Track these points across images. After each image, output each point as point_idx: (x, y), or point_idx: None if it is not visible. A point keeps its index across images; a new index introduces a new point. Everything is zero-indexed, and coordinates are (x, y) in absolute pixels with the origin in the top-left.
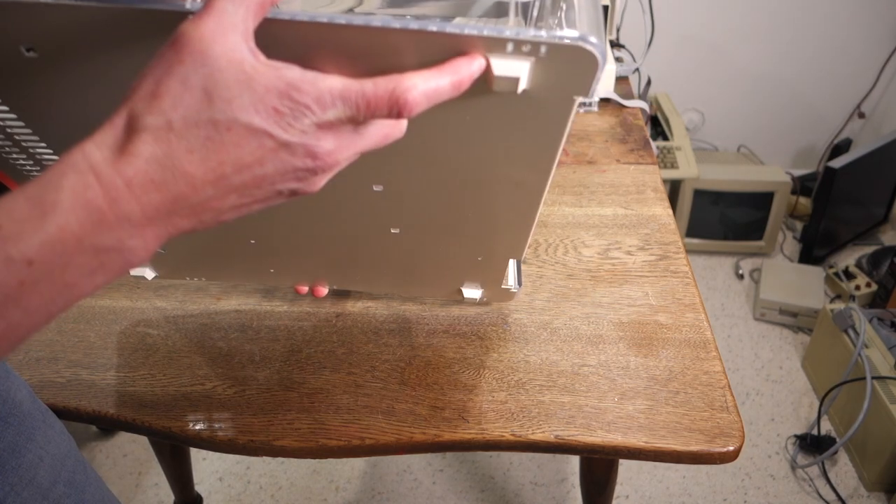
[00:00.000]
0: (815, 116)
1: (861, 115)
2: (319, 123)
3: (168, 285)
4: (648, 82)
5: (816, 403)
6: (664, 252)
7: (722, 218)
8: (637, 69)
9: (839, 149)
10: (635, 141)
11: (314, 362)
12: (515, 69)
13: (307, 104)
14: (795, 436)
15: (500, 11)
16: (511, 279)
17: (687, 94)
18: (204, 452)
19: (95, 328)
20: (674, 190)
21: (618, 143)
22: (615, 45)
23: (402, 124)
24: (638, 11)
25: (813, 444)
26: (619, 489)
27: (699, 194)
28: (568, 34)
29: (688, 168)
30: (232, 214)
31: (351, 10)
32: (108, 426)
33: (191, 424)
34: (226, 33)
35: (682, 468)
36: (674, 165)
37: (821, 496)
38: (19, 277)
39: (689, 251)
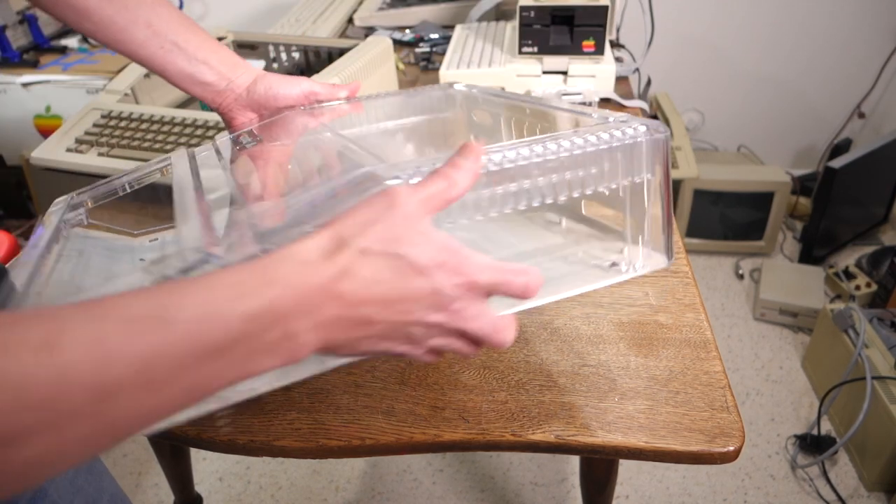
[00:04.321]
0: (815, 116)
1: (861, 115)
2: (468, 284)
3: None
4: (648, 82)
5: (816, 403)
6: None
7: (722, 218)
8: (637, 69)
9: (839, 149)
10: None
11: None
12: None
13: (464, 264)
14: (795, 436)
15: (499, 15)
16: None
17: (687, 94)
18: (204, 452)
19: None
20: (674, 190)
21: None
22: (615, 45)
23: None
24: (638, 11)
25: (813, 444)
26: (619, 489)
27: (699, 194)
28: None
29: (688, 168)
30: (366, 346)
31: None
32: None
33: (191, 424)
34: (423, 205)
35: (682, 468)
36: (674, 165)
37: (821, 496)
38: (228, 335)
39: (689, 251)
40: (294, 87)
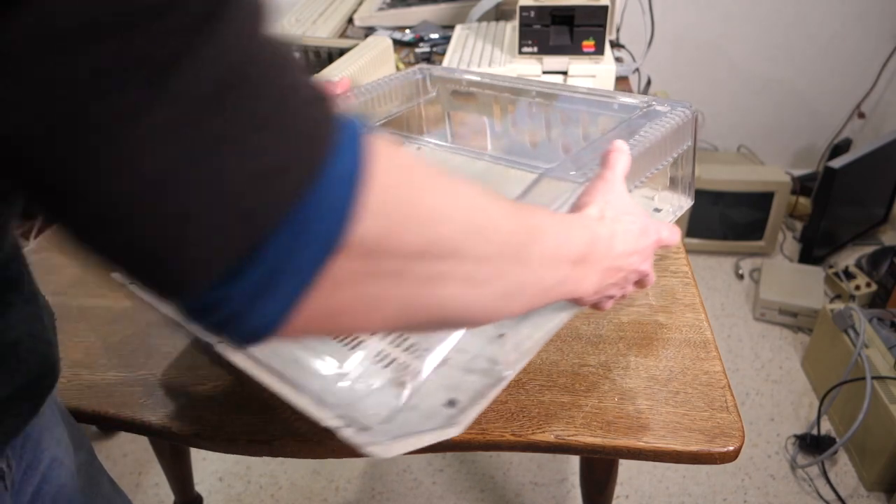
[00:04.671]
0: (815, 116)
1: (861, 115)
2: (659, 241)
3: None
4: (648, 82)
5: (816, 403)
6: (664, 252)
7: (722, 218)
8: (637, 69)
9: (839, 149)
10: None
11: None
12: None
13: (653, 225)
14: (795, 436)
15: (499, 15)
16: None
17: (687, 94)
18: (204, 452)
19: (95, 328)
20: None
21: None
22: (615, 45)
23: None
24: (638, 11)
25: (813, 444)
26: (619, 489)
27: (699, 194)
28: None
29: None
30: (608, 290)
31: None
32: (108, 426)
33: (191, 424)
34: (623, 183)
35: (682, 468)
36: None
37: (821, 496)
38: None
39: (689, 251)
40: None
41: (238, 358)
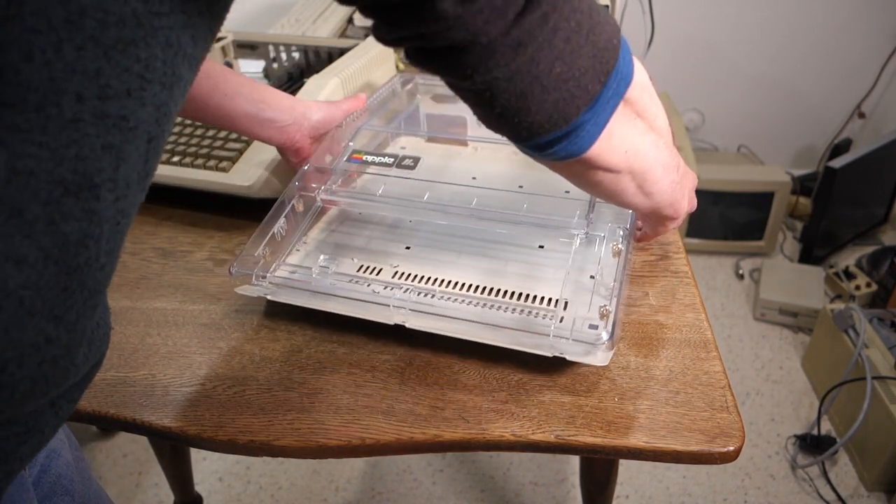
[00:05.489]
0: (815, 116)
1: (861, 115)
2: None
3: (167, 285)
4: None
5: (816, 403)
6: (664, 252)
7: (722, 218)
8: None
9: (839, 149)
10: None
11: (314, 362)
12: None
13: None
14: (795, 436)
15: None
16: None
17: (687, 94)
18: (204, 452)
19: None
20: None
21: None
22: None
23: None
24: (638, 11)
25: (813, 444)
26: (619, 489)
27: (699, 194)
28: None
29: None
30: (677, 193)
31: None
32: (108, 426)
33: (191, 424)
34: None
35: (682, 468)
36: None
37: (821, 496)
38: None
39: (689, 251)
40: (338, 109)
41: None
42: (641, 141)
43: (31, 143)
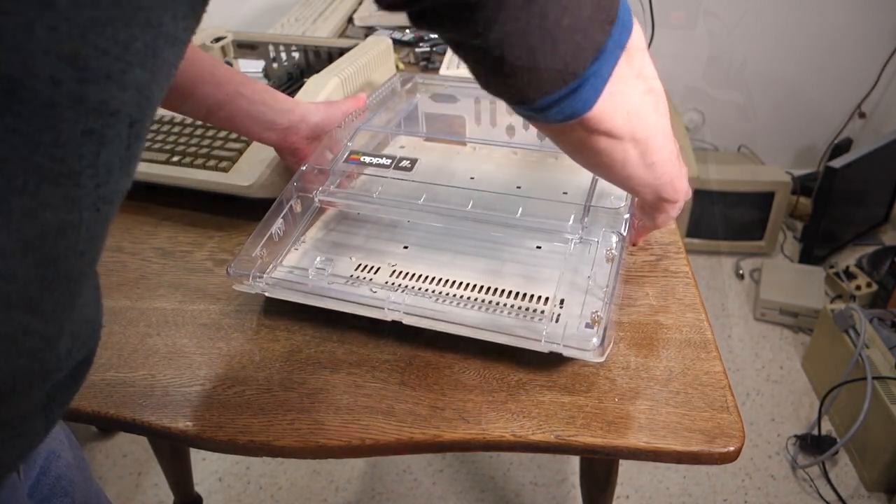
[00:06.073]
0: (816, 116)
1: (861, 115)
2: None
3: (167, 285)
4: None
5: (817, 403)
6: (664, 252)
7: (722, 218)
8: None
9: (839, 149)
10: None
11: (314, 362)
12: None
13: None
14: (796, 436)
15: None
16: None
17: (687, 94)
18: (204, 452)
19: None
20: None
21: None
22: None
23: None
24: (638, 11)
25: (813, 445)
26: (619, 489)
27: (699, 194)
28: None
29: (688, 168)
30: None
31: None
32: (108, 426)
33: (191, 424)
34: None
35: (682, 468)
36: None
37: (821, 496)
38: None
39: (689, 251)
40: (338, 110)
41: None
42: (642, 101)
43: (2, 128)
